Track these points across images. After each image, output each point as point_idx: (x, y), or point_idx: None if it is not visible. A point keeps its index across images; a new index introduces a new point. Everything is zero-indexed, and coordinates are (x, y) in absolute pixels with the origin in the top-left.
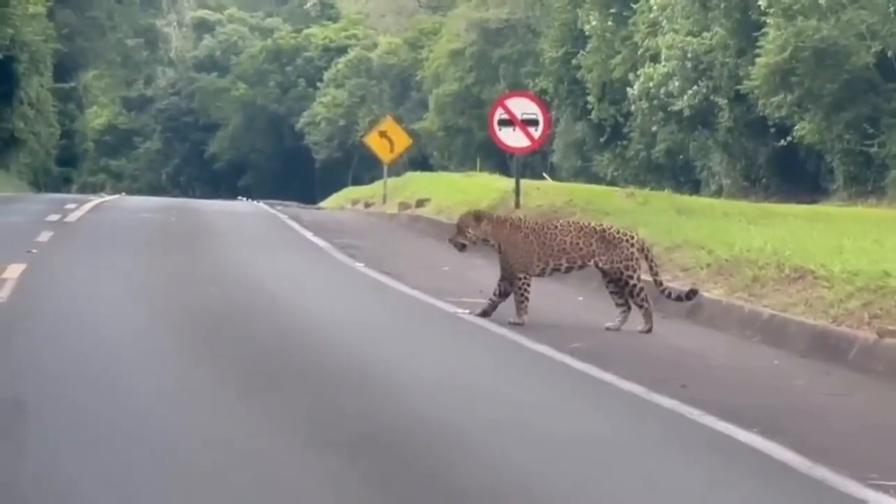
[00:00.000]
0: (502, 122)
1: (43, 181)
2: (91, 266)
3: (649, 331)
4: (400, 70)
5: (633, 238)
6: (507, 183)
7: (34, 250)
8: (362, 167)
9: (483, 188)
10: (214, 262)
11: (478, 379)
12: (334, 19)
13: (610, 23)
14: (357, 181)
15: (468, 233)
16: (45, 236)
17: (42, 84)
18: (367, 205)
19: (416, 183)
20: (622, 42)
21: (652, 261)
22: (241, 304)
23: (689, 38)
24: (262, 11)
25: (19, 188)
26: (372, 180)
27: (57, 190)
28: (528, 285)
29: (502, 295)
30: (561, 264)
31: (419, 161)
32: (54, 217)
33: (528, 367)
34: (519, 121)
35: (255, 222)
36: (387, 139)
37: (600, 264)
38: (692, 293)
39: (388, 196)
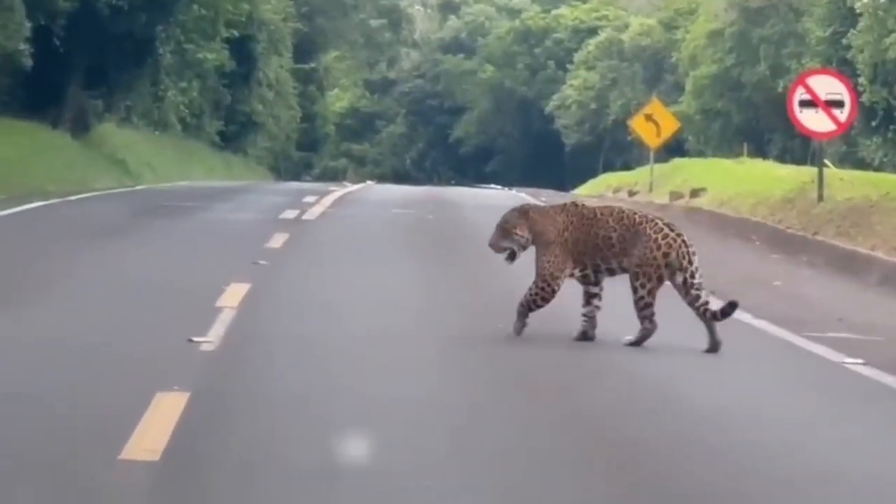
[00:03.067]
0: (804, 104)
1: (283, 166)
2: (336, 288)
3: (633, 344)
4: (653, 51)
5: (667, 238)
6: (788, 172)
7: (263, 261)
8: (613, 152)
9: (766, 177)
10: (492, 281)
11: None
12: (584, 0)
13: (883, 0)
14: (608, 167)
15: (516, 234)
16: (278, 240)
17: (281, 65)
18: (630, 193)
19: (686, 170)
20: None
21: (689, 271)
22: (546, 341)
23: None
24: None
25: (258, 174)
26: (623, 166)
27: (297, 175)
28: (548, 297)
29: (589, 302)
30: (599, 265)
31: (673, 146)
32: (290, 214)
33: None
34: (822, 102)
35: None
36: (653, 123)
37: (627, 266)
38: (730, 308)
39: (654, 184)
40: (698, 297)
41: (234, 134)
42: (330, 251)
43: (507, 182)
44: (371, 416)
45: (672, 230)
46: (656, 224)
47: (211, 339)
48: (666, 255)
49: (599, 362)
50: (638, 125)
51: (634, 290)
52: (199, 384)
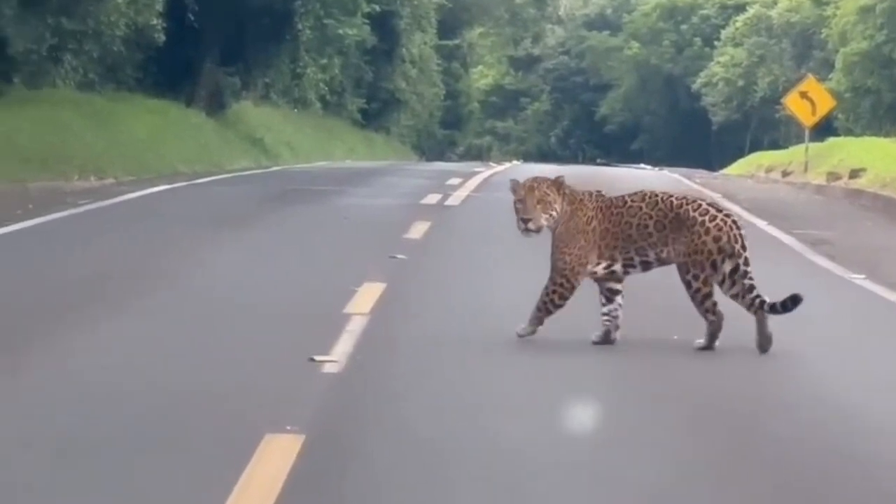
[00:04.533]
0: None
1: (426, 145)
2: (483, 287)
3: (707, 347)
4: (802, 28)
5: (715, 219)
6: None
7: (400, 255)
8: (761, 130)
9: None
10: (657, 280)
11: None
12: None
13: None
14: (755, 146)
15: (553, 209)
16: (418, 230)
17: (425, 41)
18: (784, 173)
19: (843, 149)
20: None
21: (742, 257)
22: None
23: None
24: None
25: (401, 152)
26: (771, 144)
27: (440, 154)
28: (567, 294)
29: (610, 300)
30: (632, 259)
31: (822, 124)
32: (433, 199)
33: None
34: None
35: None
36: (808, 100)
37: (672, 257)
38: (792, 301)
39: (809, 164)
40: (752, 286)
41: (376, 112)
42: (475, 242)
43: (653, 161)
44: (536, 470)
45: (720, 211)
46: (700, 205)
47: (335, 359)
48: (717, 238)
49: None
50: (792, 103)
51: (688, 284)
52: (317, 421)
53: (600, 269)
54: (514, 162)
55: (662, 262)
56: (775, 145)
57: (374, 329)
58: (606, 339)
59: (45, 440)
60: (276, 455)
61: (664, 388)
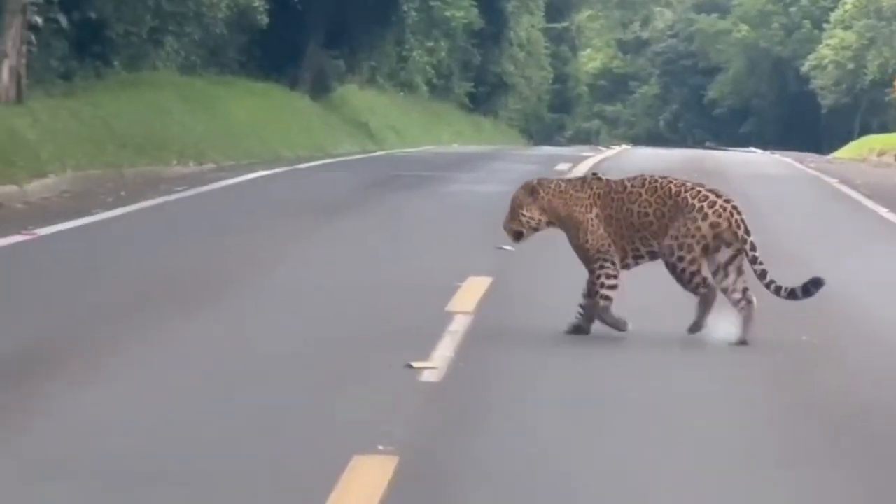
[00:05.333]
0: None
1: (534, 128)
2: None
3: (694, 328)
4: None
5: (714, 205)
6: None
7: (508, 247)
8: (870, 114)
9: None
10: (787, 271)
11: None
12: None
13: None
14: (865, 129)
15: (523, 216)
16: None
17: (533, 24)
18: None
19: None
20: None
21: (748, 242)
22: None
23: None
24: None
25: (509, 136)
26: (880, 128)
27: (548, 138)
28: (612, 272)
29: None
30: (638, 249)
31: None
32: None
33: None
34: None
35: (797, 190)
36: None
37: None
38: (814, 284)
39: None
40: (764, 272)
41: (483, 95)
42: None
43: (761, 144)
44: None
45: (719, 196)
46: (699, 192)
47: (435, 365)
48: (715, 225)
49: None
50: None
51: (673, 268)
52: (413, 440)
53: (624, 258)
54: (624, 146)
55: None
56: (885, 129)
57: (478, 329)
58: (578, 331)
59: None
60: (365, 480)
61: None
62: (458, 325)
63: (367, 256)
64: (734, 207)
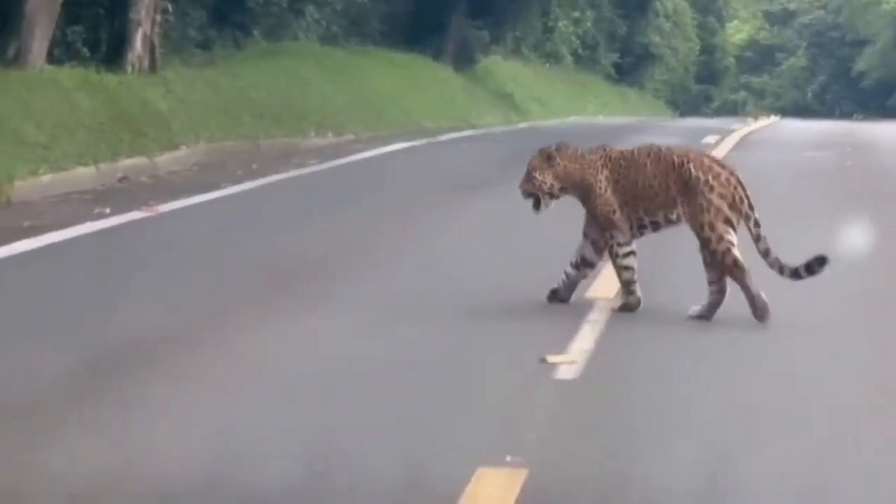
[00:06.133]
0: None
1: (680, 100)
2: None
3: (759, 314)
4: None
5: (718, 177)
6: None
7: None
8: None
9: None
10: None
11: None
12: None
13: None
14: None
15: (535, 178)
16: None
17: None
18: None
19: None
20: None
21: (751, 219)
22: None
23: None
24: None
25: (655, 108)
26: None
27: (695, 109)
28: (625, 250)
29: (578, 266)
30: (642, 219)
31: None
32: None
33: None
34: None
35: None
36: None
37: (683, 218)
38: (818, 262)
39: None
40: (767, 250)
41: (629, 66)
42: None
43: None
44: None
45: (723, 168)
46: (702, 162)
47: (573, 359)
48: (722, 196)
49: None
50: None
51: (706, 244)
52: (545, 449)
53: (630, 227)
54: (773, 118)
55: (671, 222)
56: None
57: (621, 319)
58: (555, 297)
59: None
60: (490, 496)
61: None
62: (599, 313)
63: (502, 237)
64: (738, 179)
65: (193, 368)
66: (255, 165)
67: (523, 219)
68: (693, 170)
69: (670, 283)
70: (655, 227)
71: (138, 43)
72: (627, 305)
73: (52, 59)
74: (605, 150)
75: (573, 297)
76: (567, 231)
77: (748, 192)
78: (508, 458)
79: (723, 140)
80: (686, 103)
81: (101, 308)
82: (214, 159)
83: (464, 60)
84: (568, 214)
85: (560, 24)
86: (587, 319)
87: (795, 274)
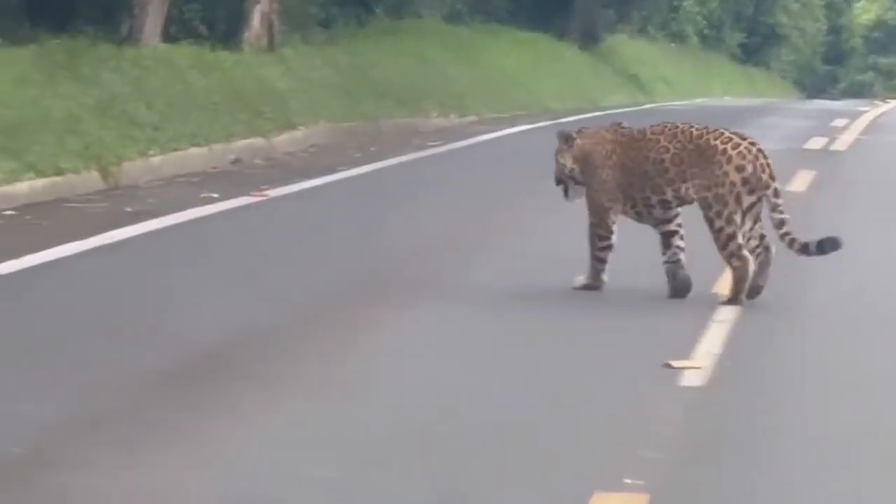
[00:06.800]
0: None
1: (807, 80)
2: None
3: (732, 302)
4: None
5: (738, 147)
6: None
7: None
8: None
9: None
10: None
11: None
12: None
13: None
14: None
15: (558, 162)
16: (801, 181)
17: None
18: None
19: None
20: None
21: (771, 188)
22: None
23: None
24: None
25: (781, 89)
26: None
27: (822, 90)
28: (603, 235)
29: (666, 244)
30: (649, 198)
31: None
32: (817, 143)
33: None
34: None
35: None
36: None
37: (691, 194)
38: (830, 244)
39: None
40: (782, 221)
41: (755, 47)
42: (868, 197)
43: None
44: None
45: (744, 139)
46: (722, 134)
47: (698, 364)
48: (740, 168)
49: None
50: None
51: (710, 223)
52: (669, 470)
53: (630, 209)
54: None
55: (681, 201)
56: None
57: (751, 317)
58: (675, 282)
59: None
60: None
61: None
62: (728, 311)
63: (623, 222)
64: (759, 150)
65: (295, 373)
66: (373, 147)
67: None
68: (712, 140)
69: (809, 282)
70: (665, 205)
71: (256, 21)
72: (584, 285)
73: (168, 37)
74: (617, 134)
75: (698, 293)
76: (690, 217)
77: (770, 163)
78: (627, 481)
79: (852, 123)
80: (812, 84)
81: (190, 303)
82: (333, 140)
83: (589, 39)
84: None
85: (686, 3)
86: (714, 319)
87: (804, 249)
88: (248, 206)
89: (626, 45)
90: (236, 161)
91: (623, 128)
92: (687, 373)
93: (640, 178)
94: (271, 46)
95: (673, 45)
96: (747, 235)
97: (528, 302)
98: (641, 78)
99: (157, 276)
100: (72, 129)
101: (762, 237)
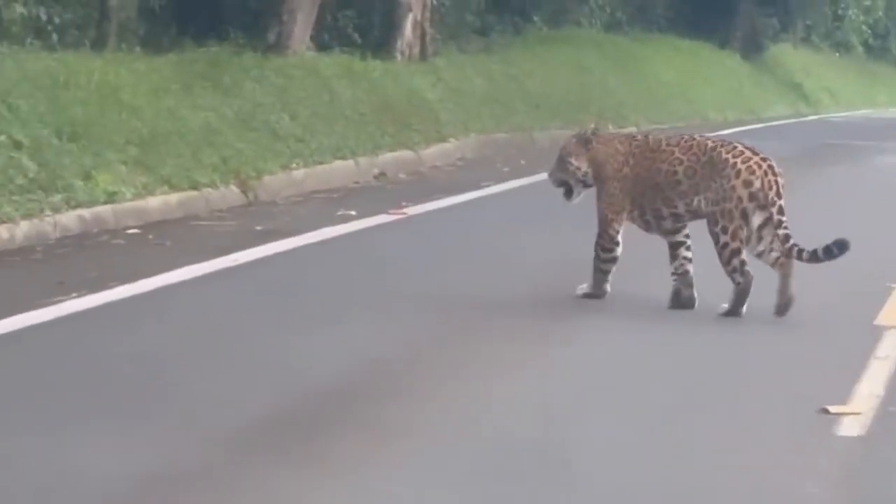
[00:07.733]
0: None
1: None
2: None
3: (731, 314)
4: None
5: (749, 162)
6: None
7: None
8: None
9: None
10: None
11: None
12: None
13: None
14: None
15: (570, 164)
16: None
17: None
18: None
19: None
20: None
21: (777, 205)
22: None
23: None
24: None
25: None
26: None
27: None
28: (606, 247)
29: (673, 255)
30: (660, 210)
31: None
32: None
33: None
34: None
35: None
36: None
37: (703, 207)
38: (838, 246)
39: None
40: (787, 236)
41: None
42: None
43: None
44: None
45: (755, 154)
46: (734, 147)
47: (858, 410)
48: (748, 183)
49: None
50: None
51: (716, 238)
52: None
53: (637, 217)
54: None
55: (692, 214)
56: None
57: None
58: (677, 302)
59: None
60: None
61: None
62: (891, 347)
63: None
64: (770, 166)
65: (395, 419)
66: (523, 161)
67: (800, 223)
68: (724, 153)
69: None
70: (677, 218)
71: (408, 29)
72: (587, 292)
73: (321, 45)
74: (632, 145)
75: (858, 326)
76: (851, 239)
77: (780, 180)
78: None
79: None
80: None
81: (300, 335)
82: (482, 153)
83: (751, 48)
84: (851, 216)
85: (850, 11)
86: (876, 356)
87: (814, 256)
88: (383, 226)
89: (789, 55)
90: (380, 175)
91: (638, 138)
92: (845, 419)
93: (652, 190)
94: (423, 55)
95: (837, 54)
96: (767, 249)
97: (667, 330)
98: (805, 88)
99: (269, 304)
100: (209, 142)
101: (787, 237)
